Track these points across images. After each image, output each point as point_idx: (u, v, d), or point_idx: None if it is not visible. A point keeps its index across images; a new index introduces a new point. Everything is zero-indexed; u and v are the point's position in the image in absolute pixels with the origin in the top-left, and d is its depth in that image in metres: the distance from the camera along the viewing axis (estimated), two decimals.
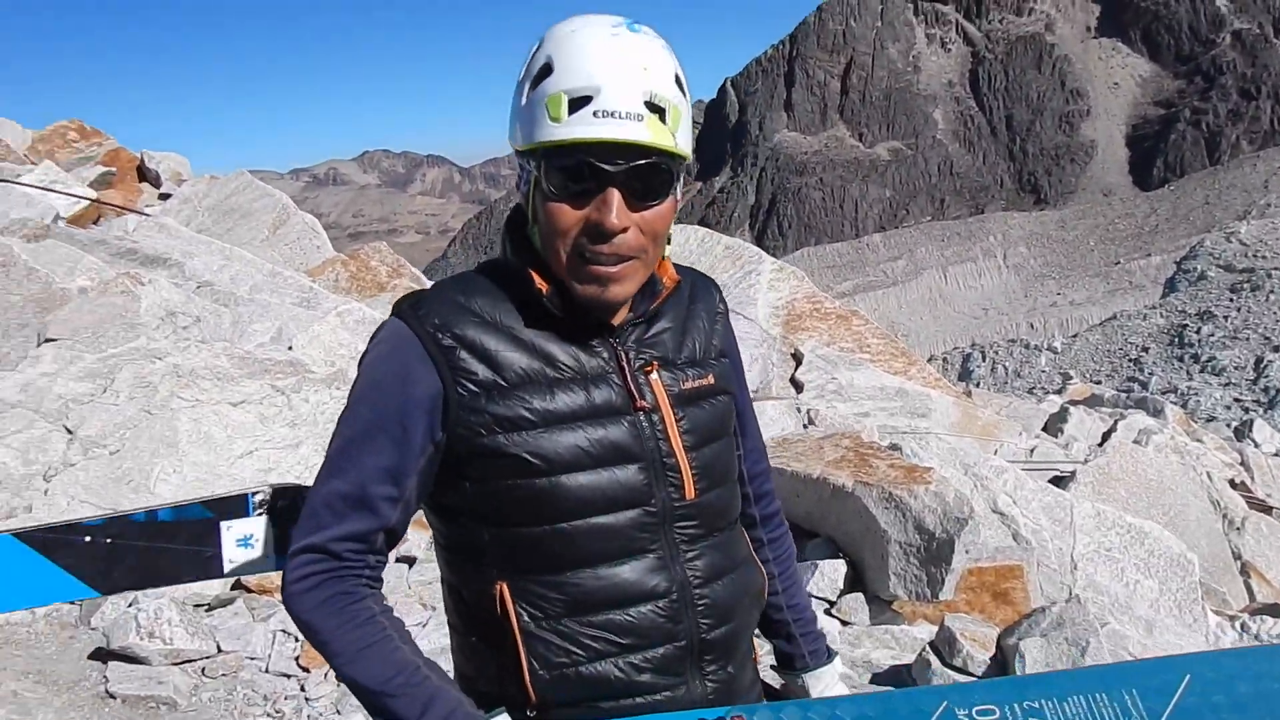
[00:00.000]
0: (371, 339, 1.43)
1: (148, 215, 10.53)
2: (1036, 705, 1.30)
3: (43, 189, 9.00)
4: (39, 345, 6.31)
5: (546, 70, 1.33)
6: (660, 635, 1.44)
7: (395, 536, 1.42)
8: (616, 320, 1.45)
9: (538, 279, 1.39)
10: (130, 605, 4.42)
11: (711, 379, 1.53)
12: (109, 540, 1.81)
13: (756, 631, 1.68)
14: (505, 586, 1.41)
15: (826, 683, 1.77)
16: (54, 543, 1.81)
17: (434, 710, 1.32)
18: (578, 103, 1.30)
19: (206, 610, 4.74)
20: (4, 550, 1.78)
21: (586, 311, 1.41)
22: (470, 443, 1.37)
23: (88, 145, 12.91)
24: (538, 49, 1.36)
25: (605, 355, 1.44)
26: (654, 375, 1.46)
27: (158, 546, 1.86)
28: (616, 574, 1.41)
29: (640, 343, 1.47)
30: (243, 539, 1.85)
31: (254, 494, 1.93)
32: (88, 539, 1.81)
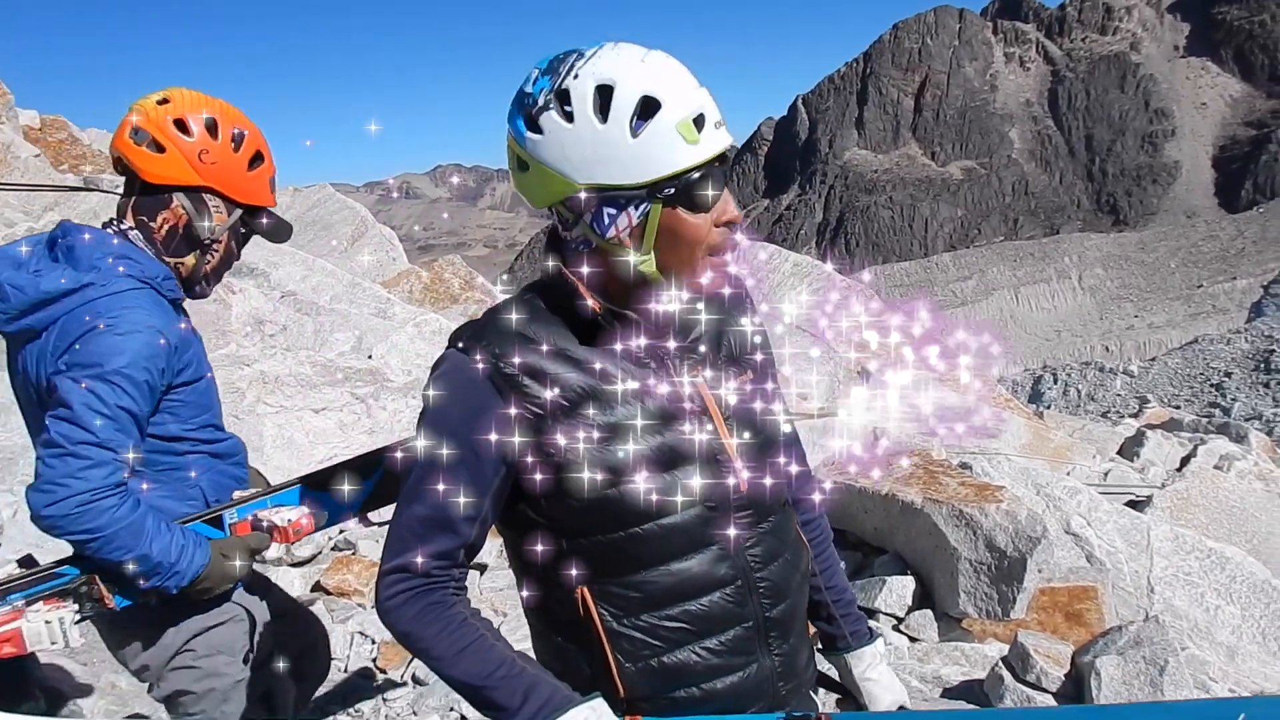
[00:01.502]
0: (434, 371, 1.51)
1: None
2: None
3: None
4: None
5: (653, 104, 1.37)
6: (730, 619, 1.55)
7: (475, 549, 1.52)
8: (660, 328, 1.53)
9: (592, 300, 1.47)
10: None
11: (751, 374, 1.62)
12: None
13: None
14: (586, 591, 1.51)
15: (869, 662, 1.85)
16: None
17: (535, 696, 1.43)
18: (698, 122, 1.39)
19: None
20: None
21: (633, 325, 1.50)
22: (541, 463, 1.46)
23: None
24: (610, 87, 1.37)
25: (654, 366, 1.51)
26: (699, 378, 1.55)
27: None
28: (687, 568, 1.51)
29: (683, 349, 1.55)
30: None
31: None
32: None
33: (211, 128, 2.22)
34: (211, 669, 2.35)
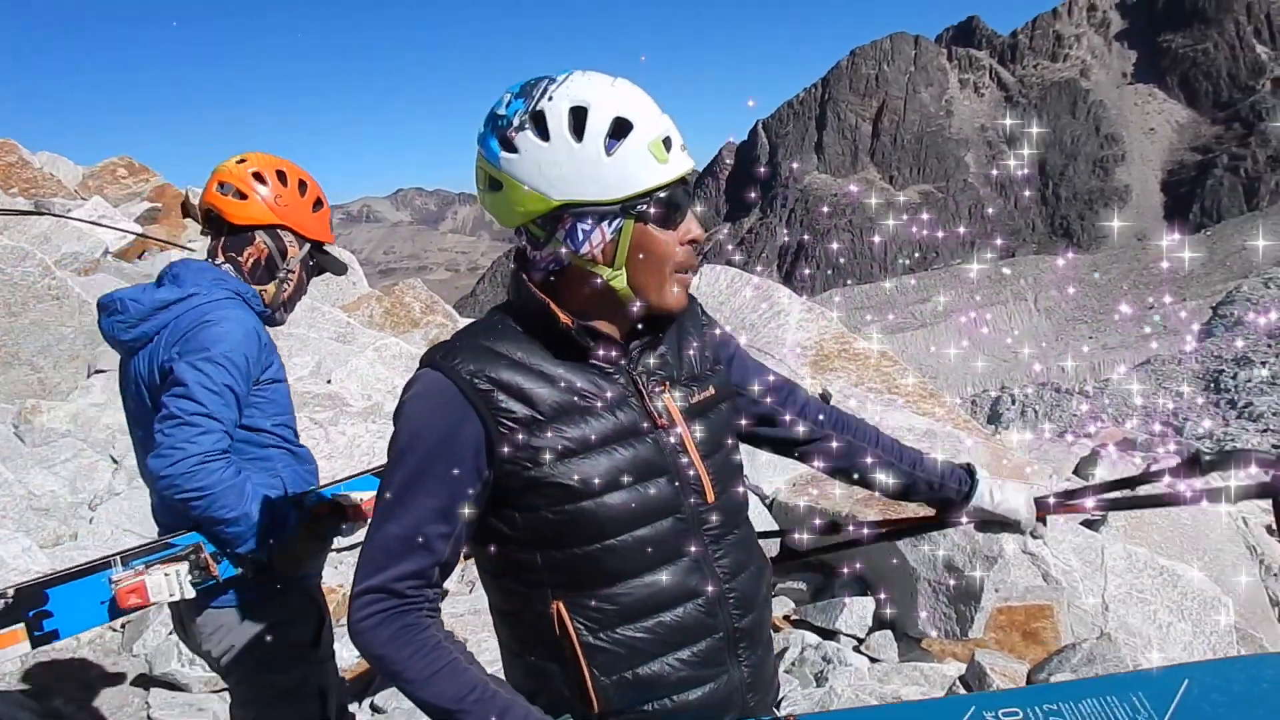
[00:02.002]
0: (407, 389, 1.52)
1: (192, 250, 10.78)
2: (1055, 707, 1.45)
3: (92, 223, 9.24)
4: (89, 376, 6.46)
5: (625, 124, 1.44)
6: (702, 630, 1.57)
7: (449, 568, 1.52)
8: (626, 347, 1.58)
9: (563, 316, 1.50)
10: (171, 634, 4.51)
11: (713, 390, 1.66)
12: None
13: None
14: (561, 604, 1.52)
15: (987, 491, 1.97)
16: None
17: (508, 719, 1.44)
18: (666, 144, 1.46)
19: None
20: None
21: (601, 342, 1.53)
22: (518, 476, 1.47)
23: (136, 181, 13.21)
24: (583, 108, 1.43)
25: (623, 381, 1.55)
26: (666, 395, 1.58)
27: None
28: (660, 579, 1.54)
29: (649, 366, 1.59)
30: None
31: None
32: None
33: (281, 178, 2.67)
34: (277, 663, 2.58)
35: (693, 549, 1.57)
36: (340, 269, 2.86)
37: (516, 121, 1.45)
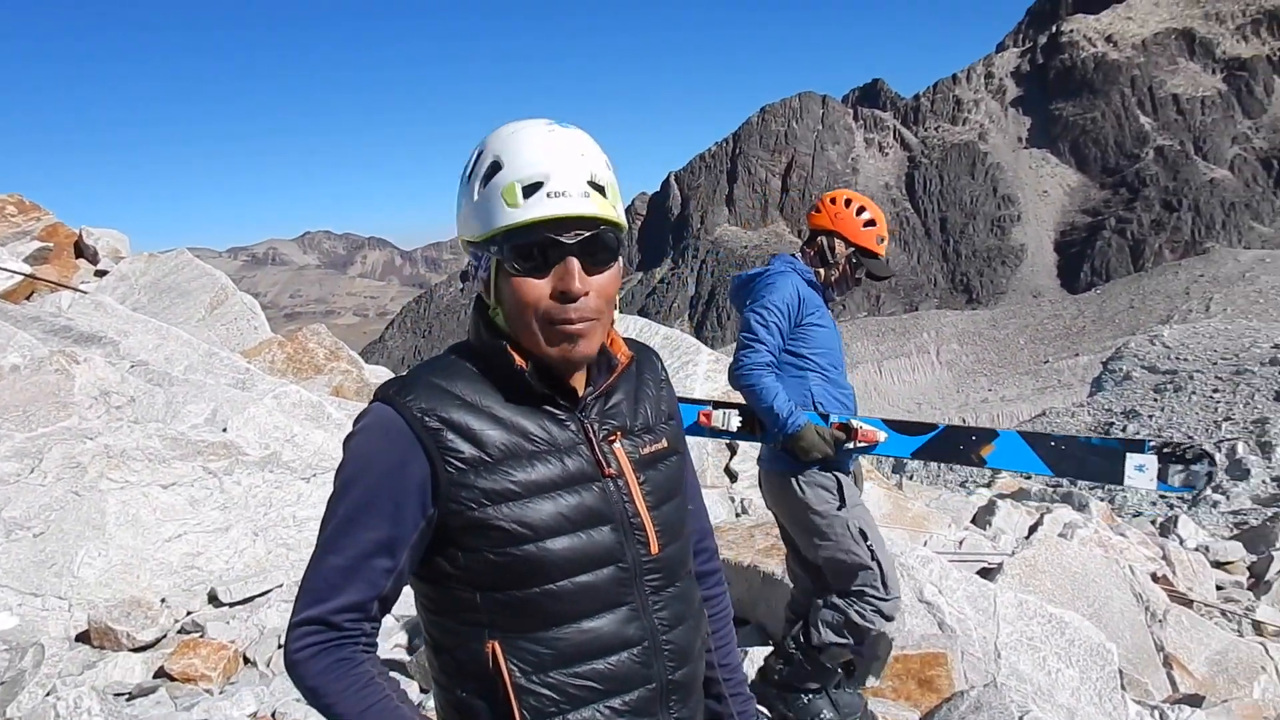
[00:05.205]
0: (357, 422, 1.53)
1: (83, 292, 10.41)
2: None
3: None
4: None
5: (496, 167, 1.48)
6: (636, 680, 1.58)
7: (389, 603, 1.52)
8: (580, 393, 1.59)
9: (517, 357, 1.52)
10: (49, 695, 4.28)
11: (665, 443, 1.69)
12: (1063, 447, 3.71)
13: None
14: (497, 645, 1.52)
15: None
16: (1036, 440, 3.77)
17: None
18: (530, 189, 1.45)
19: (128, 699, 4.60)
20: (1013, 442, 3.78)
21: (556, 386, 1.55)
22: (462, 516, 1.48)
23: (26, 220, 12.71)
24: (481, 152, 1.52)
25: (573, 428, 1.57)
26: (617, 444, 1.60)
27: (1089, 456, 3.62)
28: (598, 626, 1.54)
29: (602, 414, 1.61)
30: (1139, 465, 3.54)
31: (1149, 440, 3.60)
32: (1052, 444, 3.75)
33: (847, 203, 3.98)
34: (811, 519, 3.88)
35: (633, 598, 1.57)
36: (883, 273, 4.04)
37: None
